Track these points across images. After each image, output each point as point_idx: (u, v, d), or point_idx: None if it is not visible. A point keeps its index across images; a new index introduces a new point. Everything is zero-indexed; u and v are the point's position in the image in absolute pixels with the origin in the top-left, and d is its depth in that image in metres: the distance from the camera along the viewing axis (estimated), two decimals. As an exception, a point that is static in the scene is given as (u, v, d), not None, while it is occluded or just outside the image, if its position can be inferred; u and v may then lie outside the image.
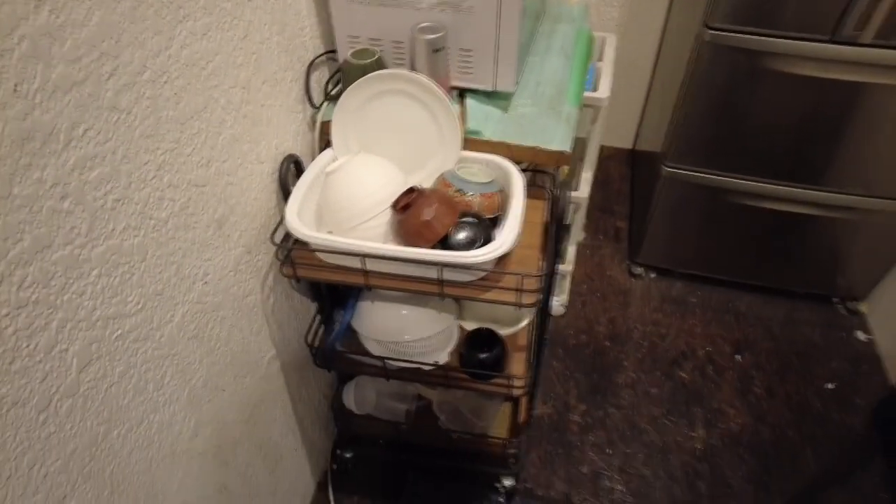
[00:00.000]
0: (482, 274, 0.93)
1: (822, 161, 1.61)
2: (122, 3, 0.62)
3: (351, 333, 1.19)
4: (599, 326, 1.90)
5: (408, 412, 1.39)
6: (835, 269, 1.88)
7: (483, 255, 0.85)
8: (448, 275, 0.91)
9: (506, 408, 1.44)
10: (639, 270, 2.06)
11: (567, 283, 1.96)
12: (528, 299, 0.91)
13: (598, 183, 2.39)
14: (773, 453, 1.60)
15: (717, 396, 1.72)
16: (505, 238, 0.87)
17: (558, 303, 1.91)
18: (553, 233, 1.03)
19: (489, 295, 0.93)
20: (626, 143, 2.57)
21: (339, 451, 1.50)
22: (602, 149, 2.52)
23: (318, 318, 1.22)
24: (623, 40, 2.09)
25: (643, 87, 2.33)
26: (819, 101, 1.50)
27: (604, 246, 2.18)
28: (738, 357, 1.82)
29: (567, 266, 1.79)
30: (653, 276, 2.06)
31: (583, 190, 1.57)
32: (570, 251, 1.85)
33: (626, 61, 2.19)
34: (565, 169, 1.64)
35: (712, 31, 1.44)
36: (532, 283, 0.90)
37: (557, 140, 1.04)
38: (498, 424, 1.41)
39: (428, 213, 0.89)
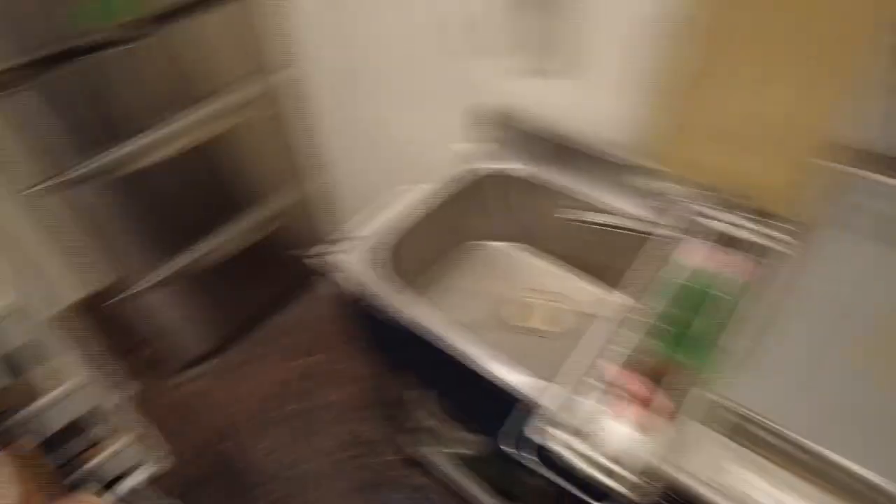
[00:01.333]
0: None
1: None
2: None
3: None
4: (202, 440, 1.89)
5: None
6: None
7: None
8: None
9: None
10: (176, 380, 2.07)
11: (151, 440, 1.84)
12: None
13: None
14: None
15: (322, 394, 1.97)
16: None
17: (152, 467, 1.79)
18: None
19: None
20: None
21: None
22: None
23: None
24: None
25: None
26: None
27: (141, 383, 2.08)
28: (308, 360, 2.08)
29: (128, 441, 1.67)
30: (200, 378, 2.09)
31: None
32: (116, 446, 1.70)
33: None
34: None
35: None
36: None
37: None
38: None
39: None
